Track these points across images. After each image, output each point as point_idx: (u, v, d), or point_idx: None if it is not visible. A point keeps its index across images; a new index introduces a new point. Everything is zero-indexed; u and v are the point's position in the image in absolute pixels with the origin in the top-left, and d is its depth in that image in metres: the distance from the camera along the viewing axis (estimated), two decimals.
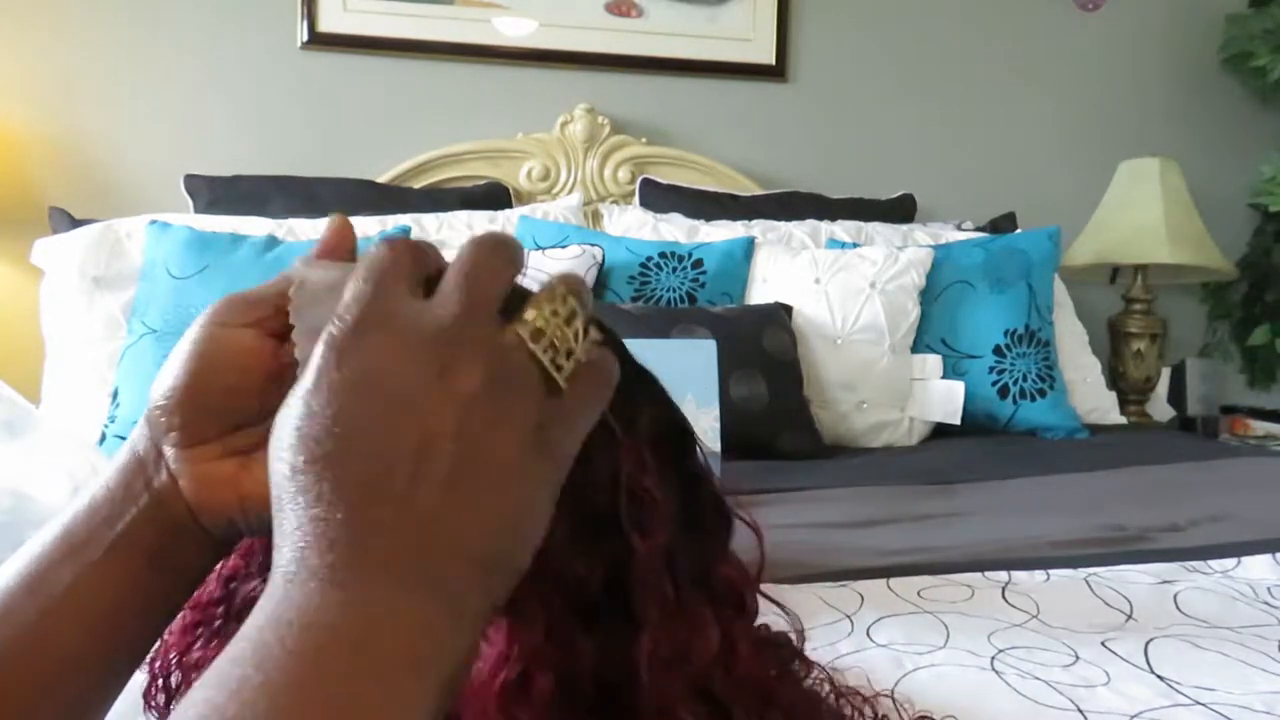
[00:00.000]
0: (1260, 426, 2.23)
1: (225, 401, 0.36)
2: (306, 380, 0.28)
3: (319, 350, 0.28)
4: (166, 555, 0.35)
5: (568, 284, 0.30)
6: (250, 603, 0.39)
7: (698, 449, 0.38)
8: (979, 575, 0.79)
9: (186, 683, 0.42)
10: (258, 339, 0.37)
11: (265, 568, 0.39)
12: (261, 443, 0.33)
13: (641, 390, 0.36)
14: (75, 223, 1.69)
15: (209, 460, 0.36)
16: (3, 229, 1.84)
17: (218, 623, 0.41)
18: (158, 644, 0.39)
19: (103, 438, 1.42)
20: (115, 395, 1.47)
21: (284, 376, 0.35)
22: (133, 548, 0.35)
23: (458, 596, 0.26)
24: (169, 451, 0.36)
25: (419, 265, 0.30)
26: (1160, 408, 2.21)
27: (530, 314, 0.29)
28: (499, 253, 0.30)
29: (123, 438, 1.43)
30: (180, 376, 0.36)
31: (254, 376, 0.36)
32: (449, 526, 0.26)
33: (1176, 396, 2.28)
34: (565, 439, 0.30)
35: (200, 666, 0.41)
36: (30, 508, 0.82)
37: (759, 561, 0.40)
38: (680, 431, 0.37)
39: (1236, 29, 2.36)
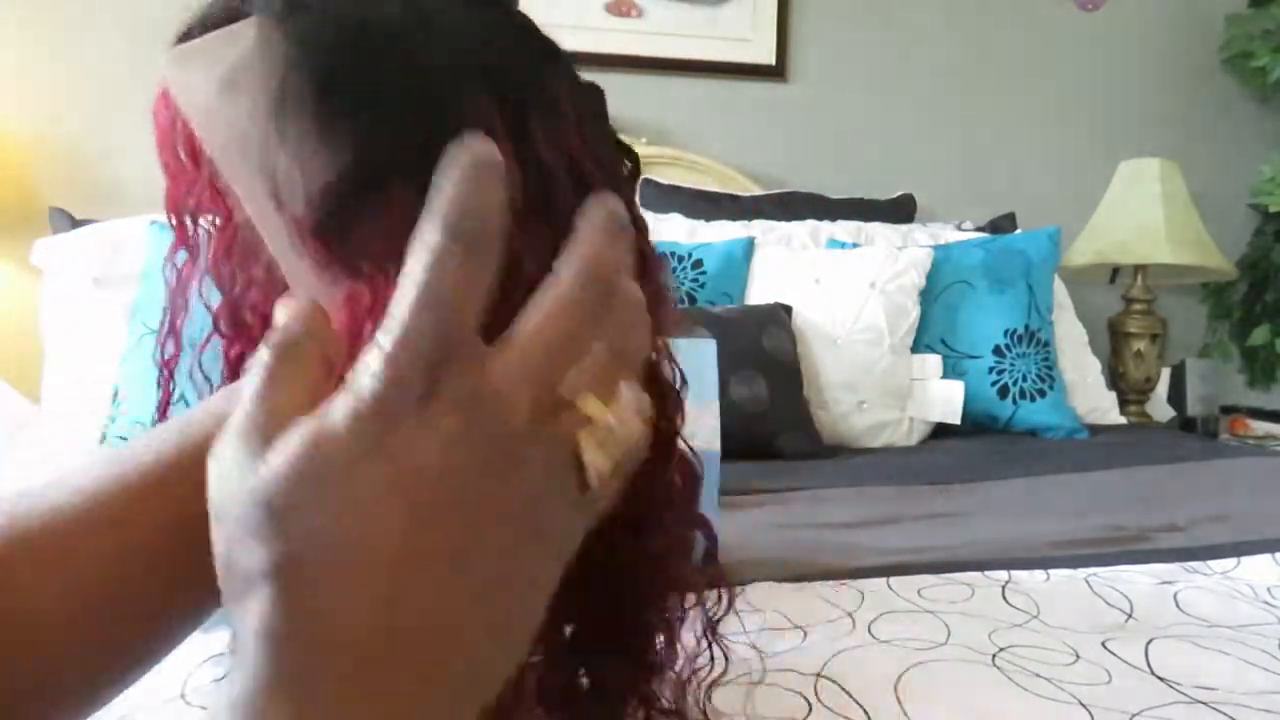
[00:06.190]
0: (1260, 426, 2.23)
1: None
2: (306, 490, 0.21)
3: (338, 417, 0.21)
4: None
5: (648, 366, 0.27)
6: None
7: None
8: (979, 575, 0.79)
9: None
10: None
11: None
12: None
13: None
14: (75, 223, 1.69)
15: None
16: (3, 229, 1.84)
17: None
18: None
19: (103, 438, 1.42)
20: (115, 395, 1.47)
21: None
22: None
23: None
24: None
25: (482, 289, 0.23)
26: (1160, 408, 2.21)
27: (594, 407, 0.24)
28: (588, 321, 0.24)
29: (123, 438, 1.43)
30: None
31: None
32: (449, 648, 0.22)
33: (1176, 396, 2.28)
34: (576, 541, 0.25)
35: None
36: None
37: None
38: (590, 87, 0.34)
39: (1236, 29, 2.36)
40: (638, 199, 0.35)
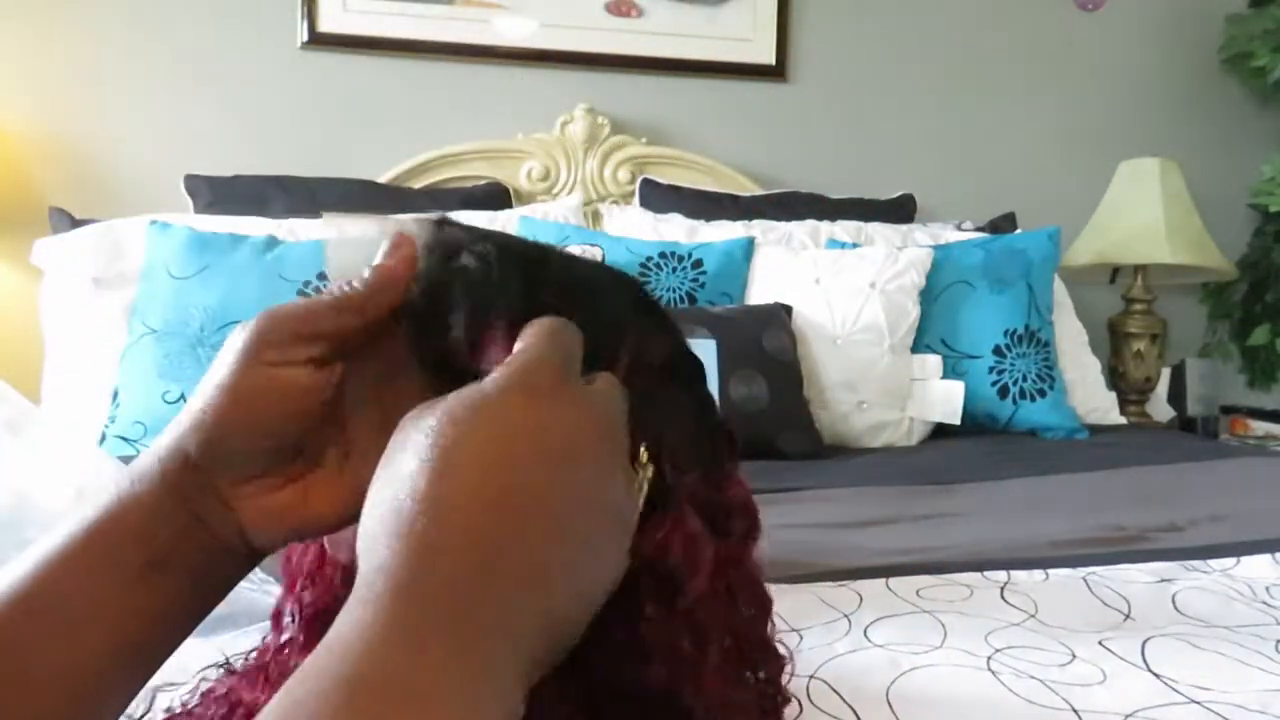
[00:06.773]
0: (1260, 426, 2.23)
1: (279, 441, 0.34)
2: (472, 414, 0.27)
3: (495, 394, 0.28)
4: (207, 571, 0.34)
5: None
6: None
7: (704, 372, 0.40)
8: (978, 575, 0.79)
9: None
10: (311, 375, 0.34)
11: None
12: (320, 462, 0.35)
13: (646, 321, 0.37)
14: (75, 223, 1.70)
15: (268, 492, 0.34)
16: (3, 229, 1.84)
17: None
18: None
19: (103, 438, 1.42)
20: (115, 395, 1.47)
21: (339, 403, 0.35)
22: (170, 567, 0.33)
23: (525, 673, 0.26)
24: (222, 485, 0.34)
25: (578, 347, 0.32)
26: (1160, 408, 2.21)
27: (645, 460, 0.33)
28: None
29: (123, 438, 1.43)
30: (227, 424, 0.33)
31: (309, 414, 0.34)
32: (549, 605, 0.26)
33: (1176, 396, 2.28)
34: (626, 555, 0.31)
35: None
36: (32, 506, 0.82)
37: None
38: (687, 356, 0.38)
39: (1236, 29, 2.36)
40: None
